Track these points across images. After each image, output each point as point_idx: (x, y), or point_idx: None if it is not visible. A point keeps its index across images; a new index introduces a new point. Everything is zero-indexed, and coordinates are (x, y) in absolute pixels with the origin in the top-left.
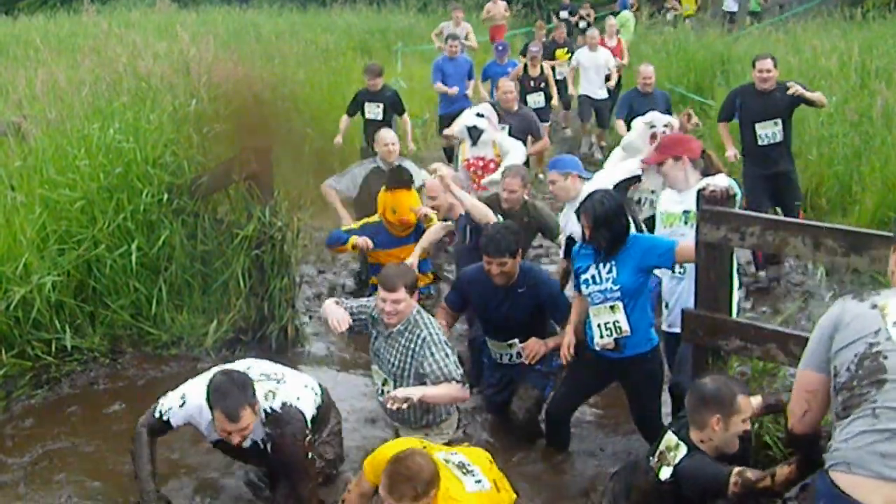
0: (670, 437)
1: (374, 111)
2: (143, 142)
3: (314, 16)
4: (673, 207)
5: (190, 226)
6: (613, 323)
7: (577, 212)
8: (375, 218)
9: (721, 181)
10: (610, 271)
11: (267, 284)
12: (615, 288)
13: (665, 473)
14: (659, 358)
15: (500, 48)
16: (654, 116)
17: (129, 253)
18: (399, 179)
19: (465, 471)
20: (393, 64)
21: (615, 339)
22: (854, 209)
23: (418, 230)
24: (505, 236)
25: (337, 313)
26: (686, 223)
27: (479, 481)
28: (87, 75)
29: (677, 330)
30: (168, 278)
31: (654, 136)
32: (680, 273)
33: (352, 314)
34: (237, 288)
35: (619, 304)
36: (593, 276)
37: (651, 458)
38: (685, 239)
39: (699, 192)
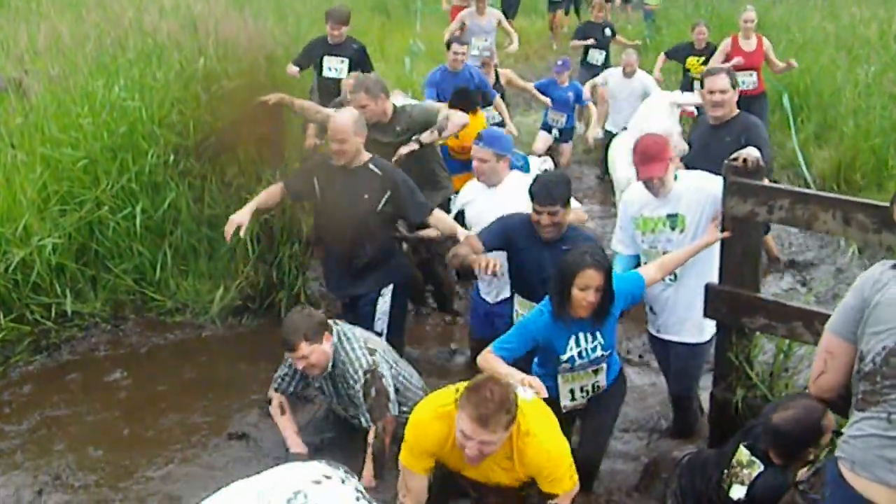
0: (743, 453)
1: (335, 66)
2: (149, 100)
3: None
4: (652, 212)
5: (197, 188)
6: (593, 384)
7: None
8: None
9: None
10: (595, 338)
11: (276, 251)
12: (604, 354)
13: (737, 493)
14: (623, 376)
15: (560, 63)
16: (677, 97)
17: (133, 216)
18: (463, 100)
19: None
20: (411, 24)
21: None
22: (890, 185)
23: None
24: (557, 184)
25: None
26: (673, 228)
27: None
28: (91, 30)
29: (667, 336)
30: (173, 242)
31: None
32: (670, 280)
33: (284, 385)
34: (245, 254)
35: (604, 364)
36: (579, 353)
37: (720, 471)
38: (672, 245)
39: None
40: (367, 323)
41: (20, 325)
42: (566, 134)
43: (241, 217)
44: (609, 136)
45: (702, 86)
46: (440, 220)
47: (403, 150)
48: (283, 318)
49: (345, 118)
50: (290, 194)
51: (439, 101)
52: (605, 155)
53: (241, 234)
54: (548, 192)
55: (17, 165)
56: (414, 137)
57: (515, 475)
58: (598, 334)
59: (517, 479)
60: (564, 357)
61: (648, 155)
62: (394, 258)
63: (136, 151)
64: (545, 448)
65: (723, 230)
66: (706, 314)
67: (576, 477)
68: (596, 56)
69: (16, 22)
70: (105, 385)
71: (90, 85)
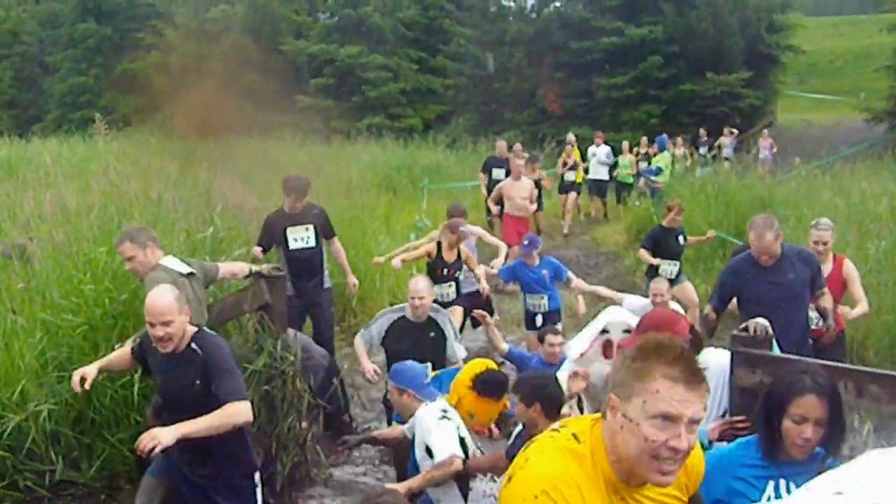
0: None
1: (301, 236)
2: None
3: (338, 149)
4: None
5: None
6: None
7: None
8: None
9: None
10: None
11: (276, 423)
12: None
13: None
14: None
15: (527, 244)
16: (615, 319)
17: (132, 384)
18: (492, 388)
19: None
20: (418, 201)
21: None
22: None
23: None
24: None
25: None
26: None
27: None
28: (97, 198)
29: None
30: None
31: (608, 345)
32: None
33: None
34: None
35: None
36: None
37: None
38: None
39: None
40: None
41: (13, 493)
42: (553, 316)
43: (87, 370)
44: None
45: None
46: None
47: None
48: (281, 493)
49: (164, 297)
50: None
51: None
52: None
53: (87, 386)
54: None
55: (17, 330)
56: None
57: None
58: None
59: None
60: None
61: (644, 324)
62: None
63: (136, 318)
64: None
65: (731, 401)
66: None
67: None
68: (669, 269)
69: (23, 190)
70: None
71: (93, 252)
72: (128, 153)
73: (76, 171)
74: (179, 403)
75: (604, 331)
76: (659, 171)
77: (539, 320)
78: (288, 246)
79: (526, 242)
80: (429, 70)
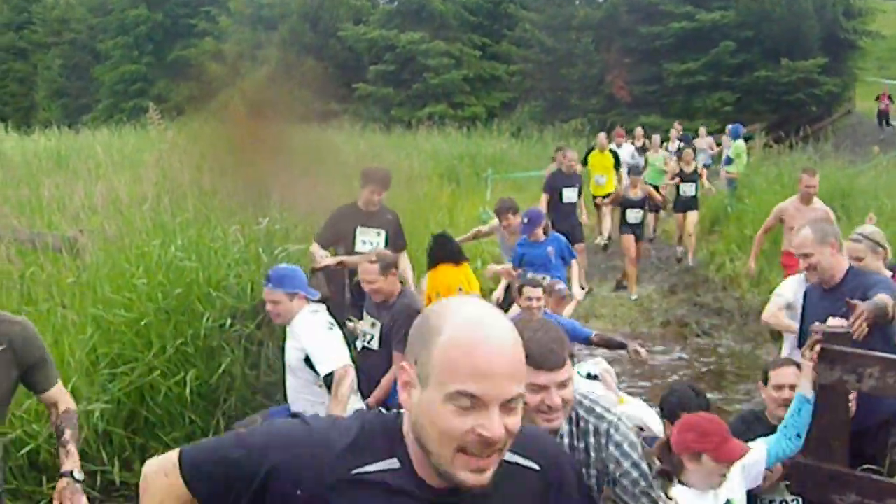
0: None
1: (371, 241)
2: (207, 261)
3: (399, 139)
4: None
5: (253, 354)
6: None
7: None
8: None
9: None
10: None
11: None
12: None
13: None
14: None
15: (527, 221)
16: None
17: (186, 382)
18: (443, 252)
19: None
20: (482, 191)
21: None
22: None
23: None
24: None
25: None
26: None
27: None
28: (149, 189)
29: None
30: (227, 411)
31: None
32: None
33: None
34: None
35: None
36: None
37: None
38: None
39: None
40: None
41: None
42: None
43: None
44: None
45: None
46: None
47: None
48: None
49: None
50: None
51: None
52: None
53: None
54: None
55: (67, 326)
56: None
57: None
58: None
59: None
60: None
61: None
62: None
63: (191, 314)
64: None
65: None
66: (790, 490)
67: None
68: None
69: (74, 182)
70: None
71: (146, 245)
72: (181, 143)
73: (128, 161)
74: None
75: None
76: (729, 160)
77: None
78: (354, 248)
79: (526, 220)
80: (493, 56)
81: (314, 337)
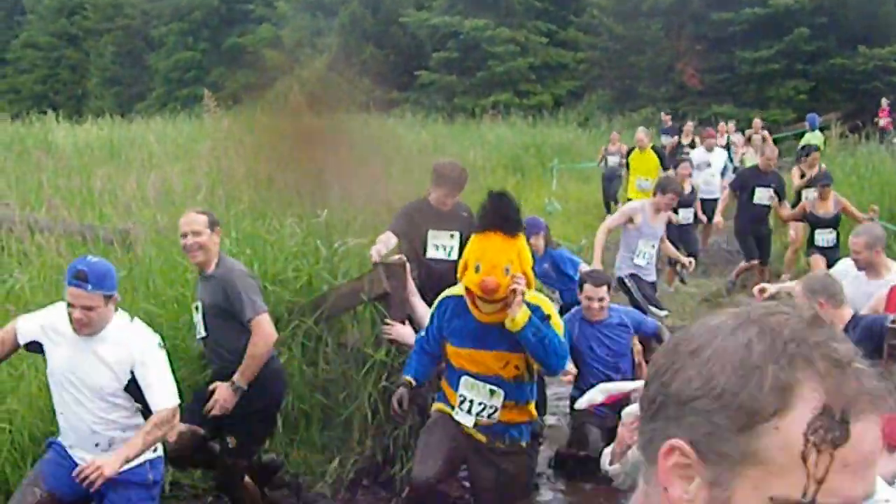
0: None
1: (444, 244)
2: (262, 254)
3: (462, 128)
4: None
5: (310, 351)
6: None
7: None
8: None
9: None
10: None
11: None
12: None
13: None
14: None
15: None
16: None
17: None
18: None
19: None
20: (547, 182)
21: None
22: None
23: None
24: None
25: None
26: None
27: None
28: (203, 180)
29: None
30: (283, 408)
31: None
32: None
33: None
34: (362, 423)
35: None
36: None
37: None
38: None
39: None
40: None
41: None
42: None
43: None
44: None
45: None
46: None
47: None
48: (400, 495)
49: None
50: None
51: None
52: None
53: None
54: None
55: None
56: None
57: None
58: None
59: None
60: None
61: None
62: None
63: None
64: None
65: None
66: None
67: None
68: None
69: (126, 172)
70: None
71: None
72: (236, 132)
73: (182, 151)
74: None
75: None
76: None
77: None
78: (425, 251)
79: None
80: (559, 44)
81: (154, 357)
